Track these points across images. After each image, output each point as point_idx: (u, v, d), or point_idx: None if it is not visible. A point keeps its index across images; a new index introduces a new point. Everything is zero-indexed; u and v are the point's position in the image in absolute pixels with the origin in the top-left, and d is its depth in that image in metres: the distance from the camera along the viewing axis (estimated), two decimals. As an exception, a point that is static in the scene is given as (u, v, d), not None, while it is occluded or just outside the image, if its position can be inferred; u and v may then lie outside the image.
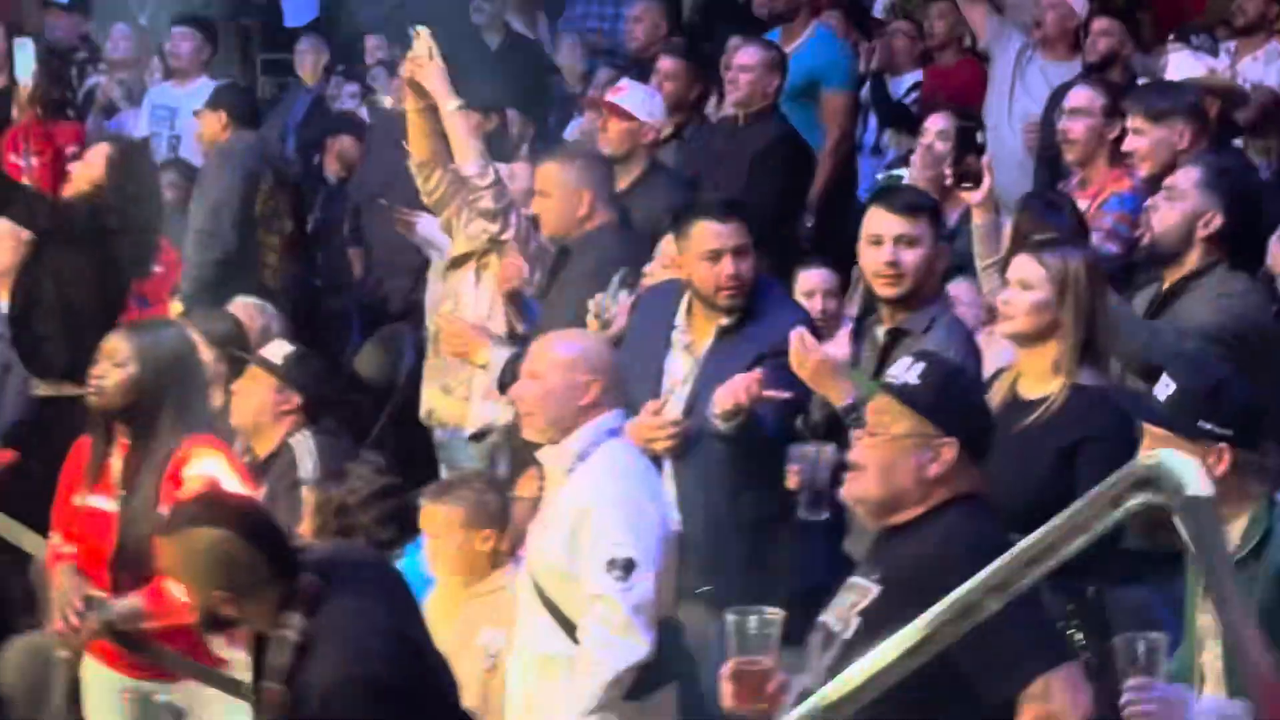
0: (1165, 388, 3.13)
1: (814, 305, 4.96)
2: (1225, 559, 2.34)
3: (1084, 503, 2.36)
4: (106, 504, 4.49)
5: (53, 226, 6.62)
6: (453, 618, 4.21)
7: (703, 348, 4.57)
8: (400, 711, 3.15)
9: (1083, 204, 5.43)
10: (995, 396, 4.03)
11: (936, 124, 6.02)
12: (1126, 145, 5.55)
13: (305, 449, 4.87)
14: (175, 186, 7.69)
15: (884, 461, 2.99)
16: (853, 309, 5.45)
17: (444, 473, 5.70)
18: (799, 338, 4.22)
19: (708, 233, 4.50)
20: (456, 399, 5.74)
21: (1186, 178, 4.61)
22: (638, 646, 3.70)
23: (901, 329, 4.35)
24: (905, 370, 3.09)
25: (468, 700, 4.01)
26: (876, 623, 3.06)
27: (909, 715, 2.85)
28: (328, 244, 8.27)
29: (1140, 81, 6.53)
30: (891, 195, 4.73)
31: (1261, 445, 3.18)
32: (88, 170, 6.85)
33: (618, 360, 4.15)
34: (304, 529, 4.59)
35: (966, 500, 3.08)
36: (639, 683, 3.79)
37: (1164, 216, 4.56)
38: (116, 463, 4.47)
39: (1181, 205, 4.53)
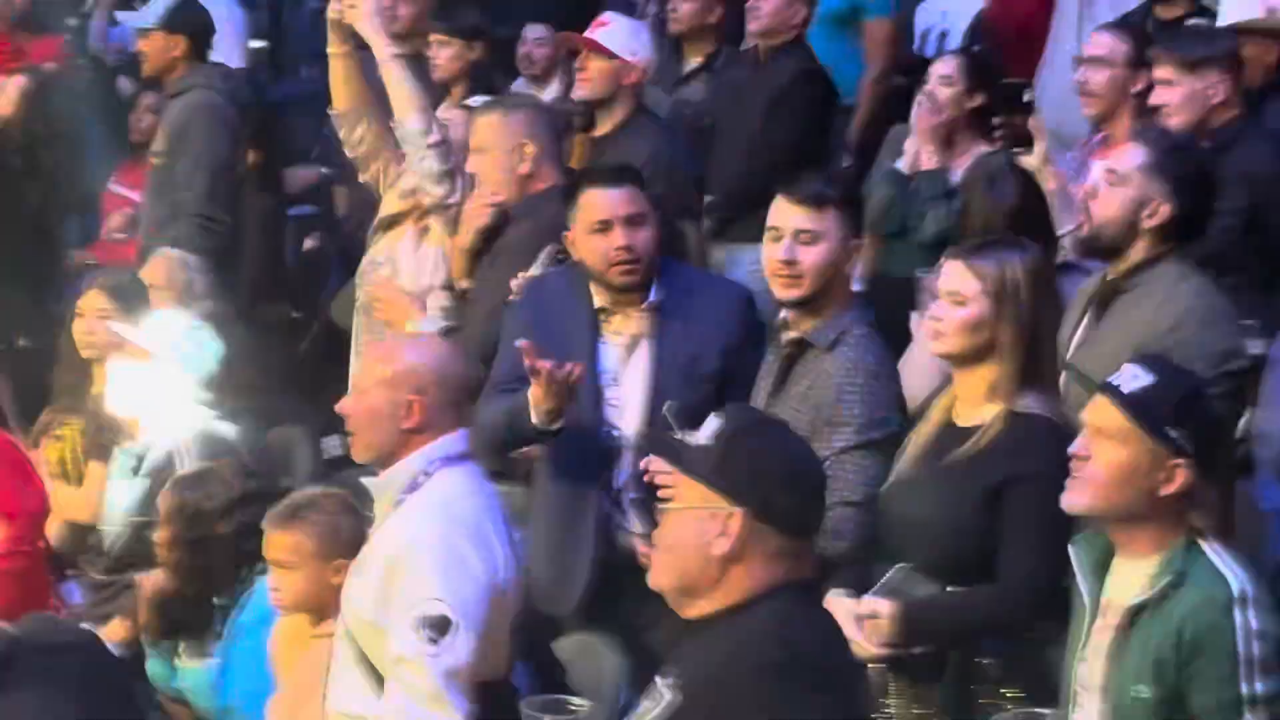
0: (1135, 379, 2.81)
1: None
2: None
3: None
4: None
5: None
6: (299, 659, 3.85)
7: (639, 335, 4.15)
8: None
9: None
10: (930, 421, 3.66)
11: (941, 68, 5.70)
12: (1155, 98, 5.14)
13: (179, 443, 4.78)
14: (152, 112, 7.29)
15: (669, 540, 2.57)
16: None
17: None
18: None
19: (597, 201, 4.19)
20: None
21: (1130, 159, 4.16)
22: (446, 717, 3.45)
23: (806, 340, 3.93)
24: (704, 428, 2.66)
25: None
26: (668, 734, 3.02)
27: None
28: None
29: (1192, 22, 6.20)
30: (796, 182, 4.13)
31: (1210, 483, 2.95)
32: None
33: (465, 369, 3.78)
34: (159, 536, 4.32)
35: (784, 594, 2.63)
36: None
37: (1104, 203, 4.10)
38: None
39: (1124, 191, 4.08)
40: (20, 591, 4.37)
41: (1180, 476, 2.81)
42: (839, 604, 3.45)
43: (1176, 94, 5.09)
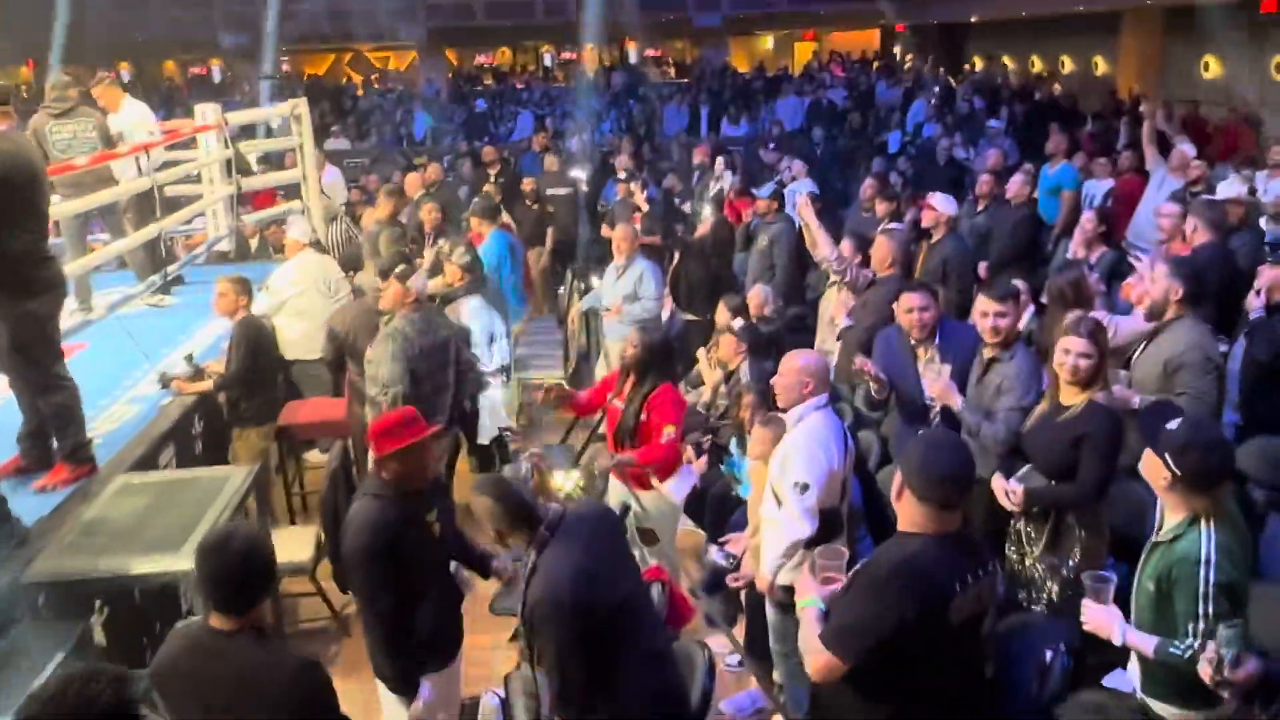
0: (1173, 424, 2.83)
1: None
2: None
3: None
4: (618, 404, 4.73)
5: (684, 250, 7.46)
6: (756, 479, 4.22)
7: (932, 357, 4.37)
8: (580, 623, 2.83)
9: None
10: (1047, 399, 3.83)
11: (1089, 215, 6.36)
12: (1187, 228, 5.38)
13: (745, 370, 5.39)
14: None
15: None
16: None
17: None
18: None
19: (905, 298, 4.38)
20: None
21: (1160, 270, 4.31)
22: (804, 530, 3.59)
23: (995, 358, 4.08)
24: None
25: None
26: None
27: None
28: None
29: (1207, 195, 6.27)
30: (991, 286, 4.34)
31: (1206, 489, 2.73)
32: (701, 229, 7.60)
33: (827, 366, 3.94)
34: (745, 400, 4.85)
35: (915, 539, 2.82)
36: (819, 538, 3.64)
37: (1152, 291, 4.33)
38: (627, 386, 4.66)
39: (1159, 285, 4.24)
40: (676, 455, 4.67)
41: (1168, 481, 2.74)
42: (998, 481, 3.62)
43: (1195, 228, 5.39)
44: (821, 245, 5.61)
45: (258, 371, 5.21)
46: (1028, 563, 3.72)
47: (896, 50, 21.70)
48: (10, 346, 3.83)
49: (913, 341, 4.39)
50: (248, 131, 8.34)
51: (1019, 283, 4.96)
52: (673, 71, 22.61)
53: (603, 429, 4.95)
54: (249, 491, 3.96)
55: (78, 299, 6.01)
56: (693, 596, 3.98)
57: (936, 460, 2.60)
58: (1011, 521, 3.78)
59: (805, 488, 3.60)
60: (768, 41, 25.80)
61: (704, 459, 4.98)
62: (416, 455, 3.26)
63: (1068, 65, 17.03)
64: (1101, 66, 15.85)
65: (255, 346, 5.21)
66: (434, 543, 3.34)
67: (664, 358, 4.68)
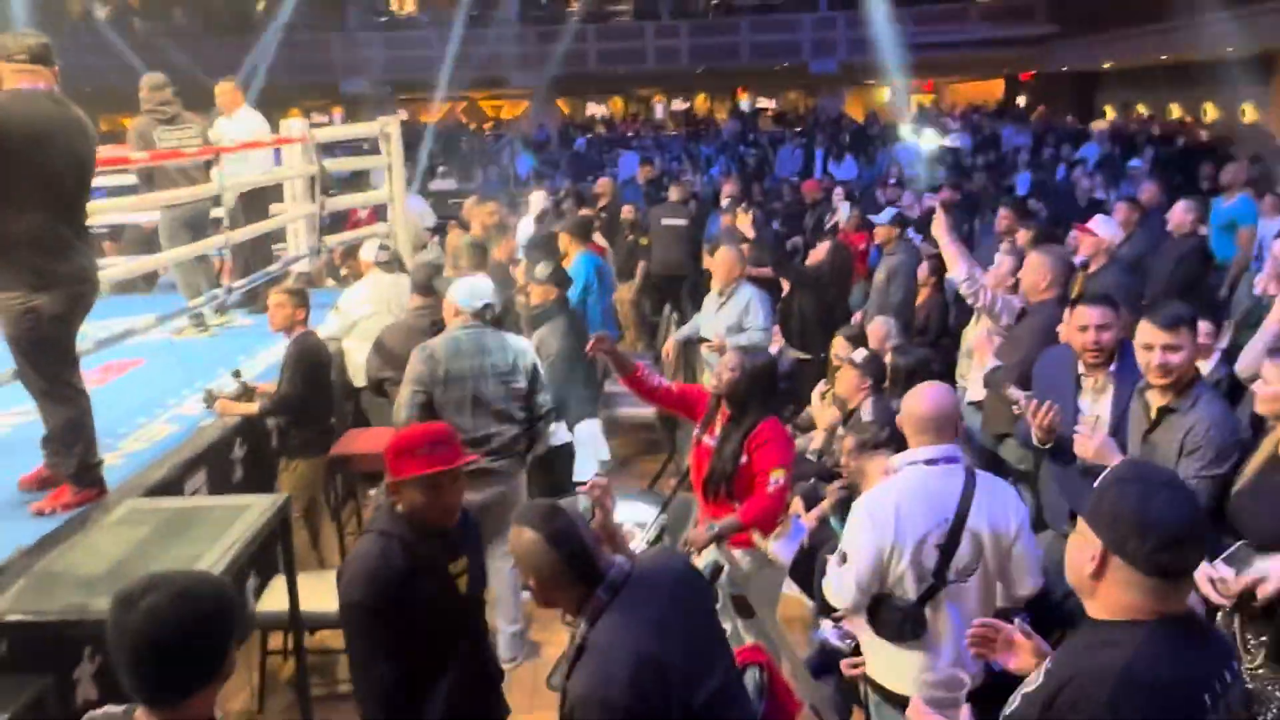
0: None
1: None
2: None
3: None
4: (710, 441, 3.95)
5: (797, 280, 6.69)
6: None
7: (1106, 393, 3.50)
8: None
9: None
10: (1263, 452, 2.95)
11: (1277, 244, 5.27)
12: None
13: (869, 408, 4.60)
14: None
15: (1069, 549, 2.15)
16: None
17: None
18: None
19: (1081, 313, 3.57)
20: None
21: None
22: (843, 603, 2.99)
23: (1169, 407, 3.15)
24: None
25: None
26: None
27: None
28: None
29: None
30: (1158, 310, 3.29)
31: None
32: (814, 255, 6.86)
33: (954, 407, 3.15)
34: (846, 443, 3.92)
35: (1145, 628, 2.06)
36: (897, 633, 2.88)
37: None
38: (720, 420, 3.93)
39: None
40: (783, 506, 3.91)
41: None
42: (1200, 565, 2.59)
43: None
44: (956, 264, 4.83)
45: (311, 396, 4.63)
46: (1245, 672, 2.80)
47: (1020, 100, 20.68)
48: (9, 343, 3.33)
49: (1081, 369, 3.55)
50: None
51: (1203, 324, 4.06)
52: (787, 117, 22.15)
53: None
54: (268, 526, 3.35)
55: (186, 295, 5.95)
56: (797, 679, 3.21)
57: (1161, 508, 1.77)
58: (1219, 617, 2.92)
59: (843, 558, 2.96)
60: (884, 95, 25.10)
61: (816, 512, 4.15)
62: (443, 487, 2.59)
63: (1210, 113, 15.80)
64: (1250, 113, 14.58)
65: (310, 367, 4.63)
66: (457, 601, 2.62)
67: (768, 386, 3.89)
